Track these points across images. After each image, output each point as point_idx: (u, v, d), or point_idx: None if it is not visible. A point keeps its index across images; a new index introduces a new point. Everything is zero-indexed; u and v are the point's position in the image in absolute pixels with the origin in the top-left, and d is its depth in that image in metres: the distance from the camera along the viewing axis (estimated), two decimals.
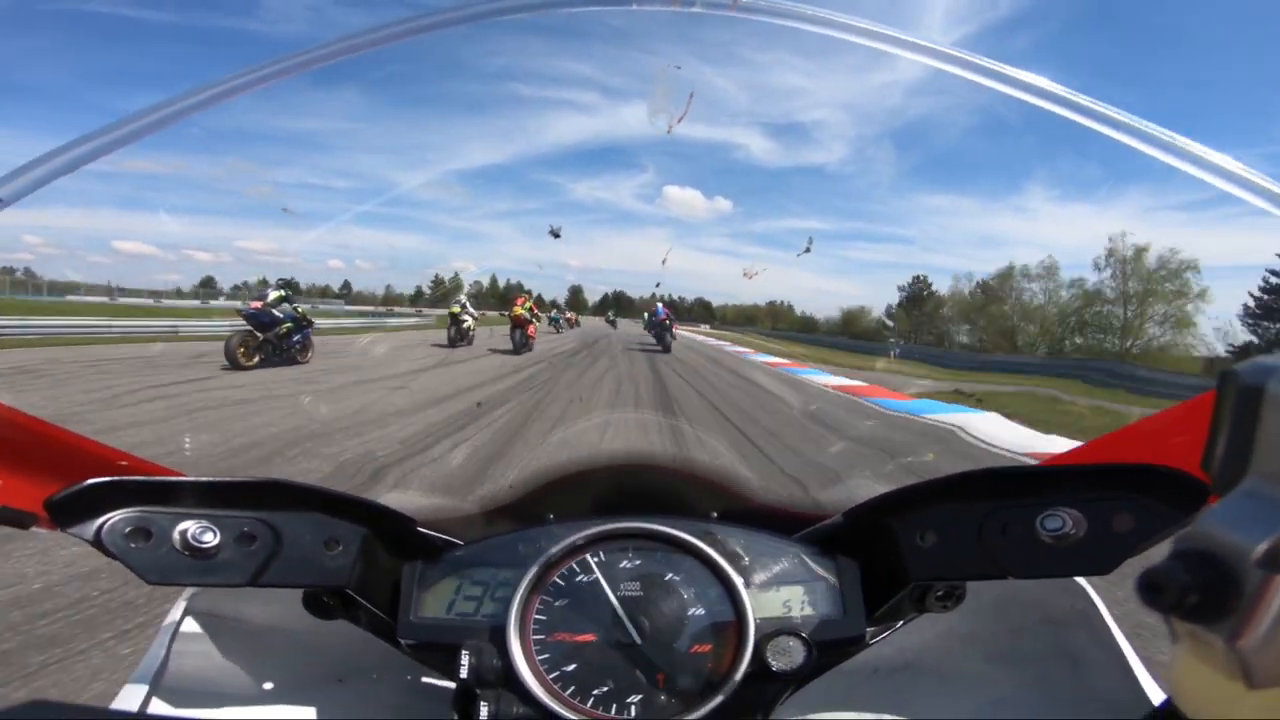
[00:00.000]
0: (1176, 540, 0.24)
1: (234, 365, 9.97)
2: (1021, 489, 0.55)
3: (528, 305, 14.48)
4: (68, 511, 0.50)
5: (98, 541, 0.51)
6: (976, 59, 0.61)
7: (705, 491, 0.73)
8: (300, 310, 11.55)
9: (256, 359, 10.46)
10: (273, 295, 11.06)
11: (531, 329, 14.69)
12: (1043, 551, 0.53)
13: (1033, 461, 0.70)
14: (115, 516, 0.52)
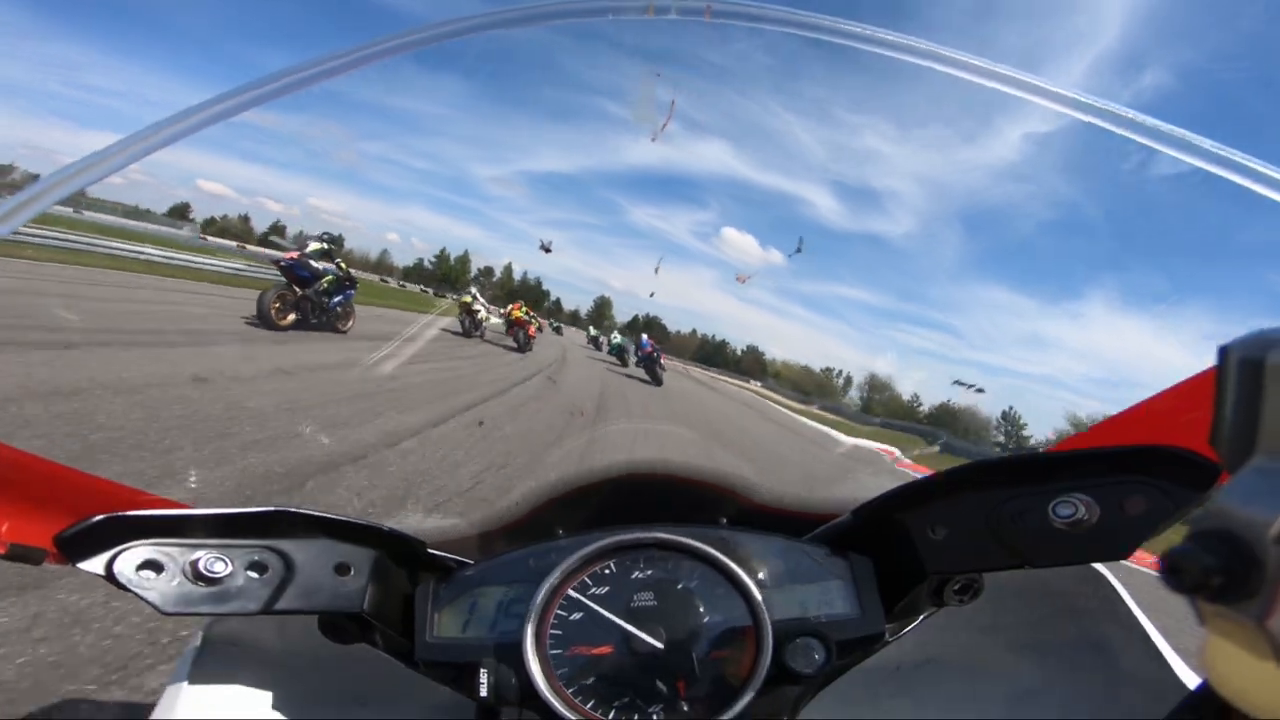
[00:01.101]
0: (1194, 521, 0.23)
1: (266, 323, 8.48)
2: (1031, 476, 0.55)
3: (524, 309, 14.87)
4: (78, 547, 0.50)
5: (110, 575, 0.51)
6: (1023, 75, 0.57)
7: (713, 498, 0.73)
8: (344, 268, 9.64)
9: (291, 317, 8.88)
10: (312, 246, 9.28)
11: (532, 329, 15.09)
12: (1057, 539, 0.52)
13: None
14: (125, 550, 0.52)
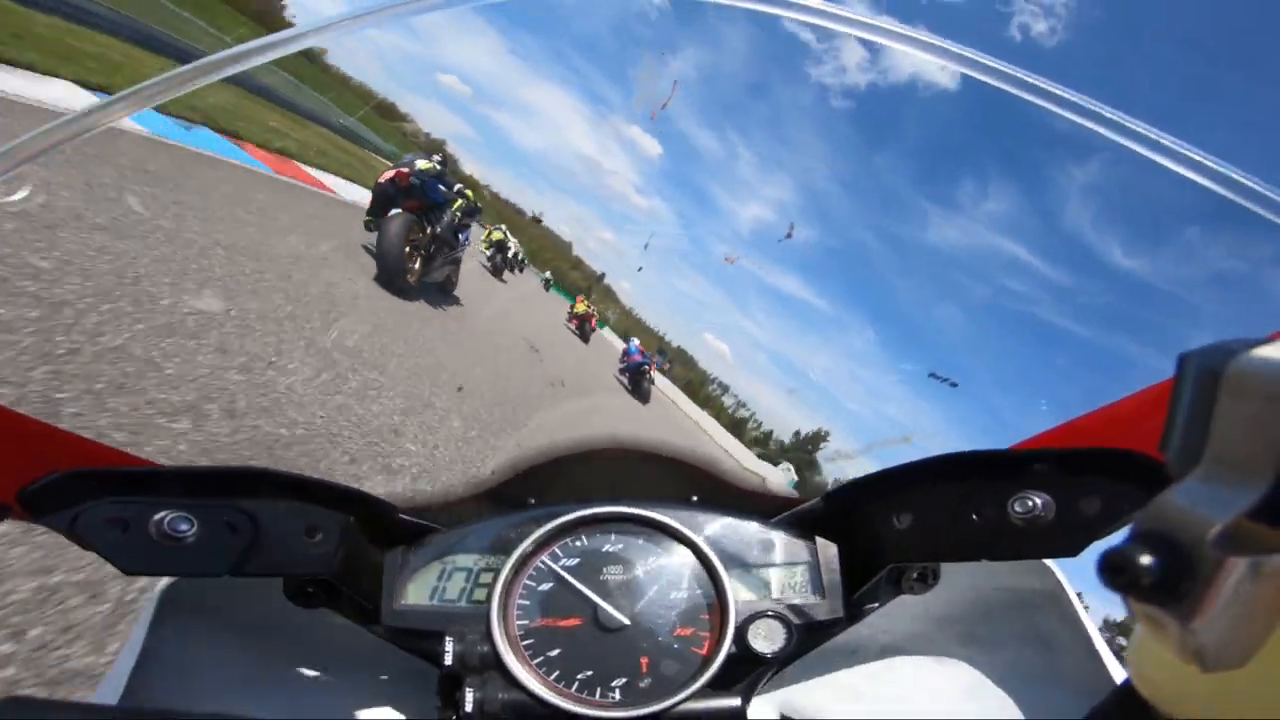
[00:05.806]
0: (1136, 522, 0.24)
1: (391, 276, 5.70)
2: (994, 472, 0.56)
3: (587, 303, 15.23)
4: (41, 503, 0.49)
5: (71, 532, 0.50)
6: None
7: (685, 475, 0.73)
8: (470, 195, 6.68)
9: (418, 264, 6.16)
10: (422, 164, 6.36)
11: (593, 321, 15.60)
12: (1013, 534, 0.54)
13: None
14: (89, 507, 0.51)
